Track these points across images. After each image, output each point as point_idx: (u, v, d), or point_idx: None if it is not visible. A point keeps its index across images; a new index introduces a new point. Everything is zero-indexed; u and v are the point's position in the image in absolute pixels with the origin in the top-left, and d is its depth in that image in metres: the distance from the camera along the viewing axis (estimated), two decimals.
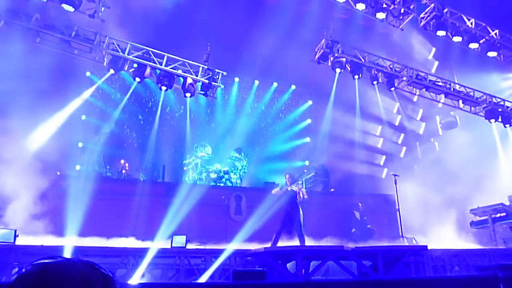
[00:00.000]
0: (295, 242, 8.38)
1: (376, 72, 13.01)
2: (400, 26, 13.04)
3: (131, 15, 11.65)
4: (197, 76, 12.01)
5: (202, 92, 12.32)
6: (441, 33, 12.76)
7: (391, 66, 13.28)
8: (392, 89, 13.45)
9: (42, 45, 10.65)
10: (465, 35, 13.22)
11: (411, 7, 12.73)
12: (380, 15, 12.37)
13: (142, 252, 6.89)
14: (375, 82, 13.12)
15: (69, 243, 6.96)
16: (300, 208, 8.72)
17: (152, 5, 12.14)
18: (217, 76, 12.17)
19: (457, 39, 13.16)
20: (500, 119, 14.23)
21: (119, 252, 7.02)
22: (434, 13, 12.59)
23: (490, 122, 14.32)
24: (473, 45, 13.37)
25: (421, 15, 12.94)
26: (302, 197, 8.77)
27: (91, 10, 10.53)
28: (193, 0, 12.68)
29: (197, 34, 12.57)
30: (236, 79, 16.98)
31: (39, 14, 10.35)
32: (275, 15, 13.12)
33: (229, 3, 12.74)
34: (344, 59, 12.65)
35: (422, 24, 12.96)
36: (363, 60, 12.90)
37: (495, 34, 13.61)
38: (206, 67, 12.07)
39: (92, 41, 11.15)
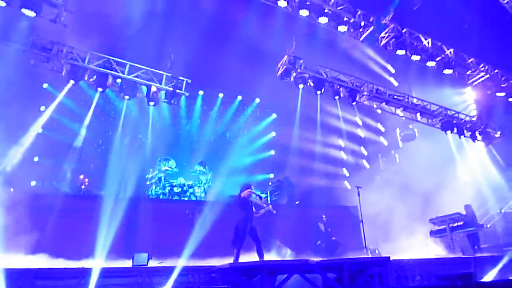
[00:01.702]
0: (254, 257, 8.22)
1: (338, 87, 13.34)
2: (361, 39, 13.50)
3: (90, 23, 11.32)
4: (161, 84, 11.82)
5: (166, 101, 12.14)
6: (400, 52, 13.43)
7: (352, 81, 13.64)
8: (354, 103, 13.78)
9: None
10: (422, 53, 13.91)
11: (371, 19, 13.24)
12: (342, 28, 12.85)
13: (99, 272, 6.57)
14: (337, 97, 13.42)
15: (18, 265, 6.54)
16: (253, 223, 8.48)
17: (113, 14, 11.87)
18: (181, 84, 12.04)
19: (416, 58, 13.85)
20: (455, 131, 14.96)
21: (76, 272, 6.67)
22: (393, 33, 13.23)
23: (446, 134, 14.99)
24: (430, 63, 14.12)
25: (382, 35, 13.48)
26: (264, 212, 8.61)
27: (52, 15, 10.17)
28: (156, 12, 12.52)
29: (161, 45, 12.39)
30: (200, 92, 16.88)
31: None
32: (239, 29, 13.19)
33: (194, 16, 12.68)
34: (306, 75, 12.89)
35: (382, 43, 13.54)
36: (325, 76, 13.19)
37: (450, 52, 14.39)
38: (170, 75, 11.92)
39: (49, 50, 10.74)
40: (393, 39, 13.30)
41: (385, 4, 13.76)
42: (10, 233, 7.98)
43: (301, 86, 12.96)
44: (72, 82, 11.10)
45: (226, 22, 13.37)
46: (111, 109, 15.40)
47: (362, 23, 13.14)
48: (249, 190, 8.52)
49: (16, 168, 11.22)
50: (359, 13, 13.06)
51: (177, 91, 11.96)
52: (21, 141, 11.81)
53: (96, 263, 7.24)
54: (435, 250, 11.88)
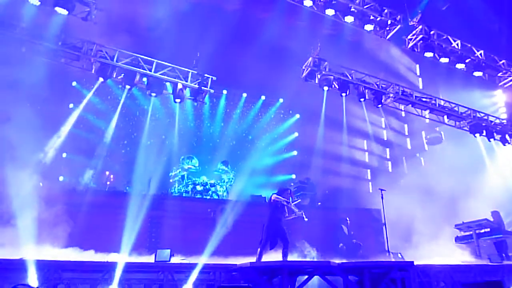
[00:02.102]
0: (279, 256, 8.24)
1: (363, 89, 13.18)
2: (387, 37, 13.29)
3: (118, 22, 11.55)
4: (186, 81, 11.98)
5: (192, 98, 12.31)
6: (428, 54, 13.17)
7: (377, 83, 13.46)
8: (379, 106, 13.59)
9: (28, 55, 10.50)
10: (451, 55, 13.61)
11: (398, 18, 13.05)
12: (368, 27, 12.70)
13: (123, 267, 6.70)
14: (362, 99, 13.24)
15: (46, 257, 6.74)
16: (283, 224, 8.56)
17: (141, 13, 12.11)
18: (207, 81, 12.19)
19: (444, 60, 13.56)
20: (484, 133, 14.55)
21: (101, 266, 6.83)
22: (421, 35, 12.97)
23: (475, 136, 14.62)
24: (460, 66, 13.81)
25: (409, 37, 13.27)
26: (294, 217, 8.64)
27: (83, 13, 10.44)
28: (183, 12, 12.68)
29: (186, 44, 12.55)
30: (224, 92, 16.98)
31: (25, 23, 10.22)
32: (263, 29, 13.21)
33: (218, 16, 12.79)
34: (331, 77, 12.81)
35: (410, 45, 13.35)
36: (350, 78, 13.06)
37: (480, 54, 14.01)
38: (195, 72, 12.09)
39: (80, 49, 11.04)
40: (421, 41, 13.08)
41: (412, 3, 13.54)
42: (41, 226, 8.24)
43: (325, 88, 12.89)
44: (101, 79, 11.36)
45: (250, 22, 13.44)
46: (137, 108, 15.67)
47: (389, 22, 12.99)
48: (275, 195, 8.60)
49: (46, 164, 11.60)
50: (385, 11, 12.92)
51: (203, 88, 12.12)
52: (54, 137, 12.20)
53: (120, 258, 7.38)
54: (460, 256, 11.57)
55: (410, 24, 13.07)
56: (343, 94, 13.04)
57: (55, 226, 8.61)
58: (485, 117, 14.86)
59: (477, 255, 11.18)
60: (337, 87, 13.00)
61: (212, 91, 12.47)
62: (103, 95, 14.66)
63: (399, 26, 13.07)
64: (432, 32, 13.18)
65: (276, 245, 8.30)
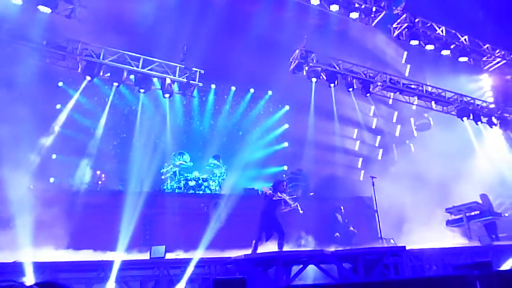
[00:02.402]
0: (275, 248, 8.32)
1: (351, 79, 13.27)
2: (373, 24, 13.33)
3: (103, 19, 11.42)
4: (175, 76, 11.94)
5: (181, 92, 12.28)
6: (414, 42, 13.29)
7: (365, 72, 13.55)
8: (368, 95, 13.68)
9: (12, 56, 10.37)
10: (436, 42, 13.74)
11: (382, 4, 13.07)
12: (354, 15, 12.68)
13: (118, 265, 6.72)
14: (350, 89, 13.35)
15: (40, 258, 6.73)
16: (278, 216, 8.65)
17: (125, 8, 11.95)
18: (195, 75, 12.18)
19: (430, 47, 13.69)
20: (471, 117, 14.78)
21: (95, 266, 6.84)
22: (406, 24, 13.07)
23: (462, 120, 14.81)
24: (445, 52, 13.95)
25: (394, 25, 13.34)
26: (289, 209, 8.71)
27: (67, 11, 10.29)
28: (167, 6, 12.55)
29: (173, 38, 12.45)
30: (213, 86, 16.93)
31: (8, 23, 10.07)
32: (250, 21, 13.16)
33: (204, 9, 12.68)
34: (319, 69, 12.86)
35: (395, 34, 13.44)
36: (337, 68, 13.13)
37: (465, 40, 14.15)
38: (183, 66, 12.07)
39: (65, 48, 10.92)
40: (406, 30, 13.18)
41: None
42: (36, 227, 8.23)
43: (314, 80, 12.94)
44: (88, 78, 11.26)
45: (237, 15, 13.34)
46: (125, 107, 15.56)
47: (374, 9, 13.00)
48: (267, 187, 8.70)
49: (36, 166, 11.52)
50: None
51: (191, 82, 12.10)
52: (43, 138, 12.12)
53: (115, 256, 7.40)
54: (452, 239, 11.78)
55: (394, 12, 13.13)
56: (332, 85, 13.10)
57: (51, 228, 8.59)
58: (472, 101, 15.10)
59: (468, 238, 11.38)
60: (325, 78, 13.05)
61: (200, 84, 12.47)
62: (91, 94, 14.50)
63: (384, 13, 13.09)
64: (416, 20, 13.28)
65: (271, 236, 8.39)
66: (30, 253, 7.41)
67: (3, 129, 9.37)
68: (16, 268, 6.16)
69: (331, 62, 13.13)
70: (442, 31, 13.77)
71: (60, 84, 14.14)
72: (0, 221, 8.64)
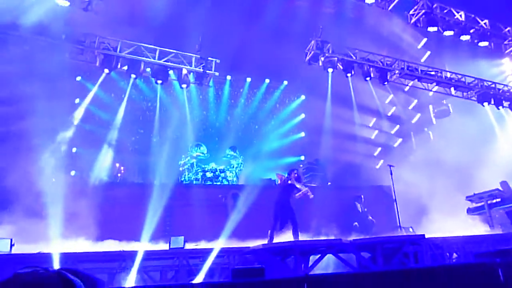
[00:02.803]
0: (290, 237, 8.35)
1: (368, 67, 13.11)
2: (389, 8, 13.11)
3: (117, 12, 11.49)
4: (191, 66, 12.04)
5: (197, 82, 12.36)
6: (432, 29, 13.00)
7: (381, 60, 13.35)
8: (386, 83, 13.50)
9: (32, 52, 10.56)
10: (455, 28, 13.39)
11: None
12: (369, 0, 12.52)
13: (138, 255, 6.85)
14: (368, 78, 13.20)
15: (63, 249, 6.90)
16: (292, 204, 8.65)
17: (140, 1, 12.02)
18: (211, 65, 12.24)
19: (449, 33, 13.36)
20: (492, 102, 14.46)
21: (117, 256, 6.98)
22: (424, 10, 12.76)
23: (483, 106, 14.51)
24: (465, 37, 13.61)
25: (411, 12, 13.07)
26: (302, 195, 8.68)
27: (84, 3, 10.40)
28: None
29: (186, 31, 12.48)
30: (228, 77, 16.93)
31: (28, 20, 10.24)
32: (264, 11, 13.07)
33: (218, 1, 12.64)
34: (335, 59, 12.76)
35: (412, 21, 13.15)
36: (354, 57, 12.99)
37: (485, 24, 13.76)
38: (199, 56, 12.13)
39: (83, 42, 11.09)
40: (423, 16, 12.88)
41: None
42: (61, 219, 8.46)
43: (330, 70, 12.89)
44: (106, 71, 11.44)
45: (250, 5, 13.26)
46: (142, 101, 15.70)
47: None
48: (279, 174, 8.76)
49: (58, 159, 11.78)
50: None
51: (207, 71, 12.19)
52: (63, 133, 12.37)
53: (135, 247, 7.54)
54: (473, 228, 11.60)
55: None
56: (348, 75, 12.99)
57: (75, 220, 8.81)
58: (493, 85, 14.74)
59: (489, 226, 11.19)
60: (341, 68, 12.94)
61: (217, 74, 12.51)
62: (108, 89, 14.70)
63: None
64: (434, 6, 12.98)
65: (285, 225, 8.41)
66: (54, 244, 7.64)
67: (25, 124, 9.62)
68: (40, 259, 6.34)
69: (347, 52, 12.99)
70: (461, 15, 13.44)
71: (78, 78, 14.36)
72: (27, 212, 8.90)
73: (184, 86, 12.20)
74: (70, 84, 13.70)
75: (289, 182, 8.67)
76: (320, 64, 12.89)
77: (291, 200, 8.63)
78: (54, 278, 1.00)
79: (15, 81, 10.33)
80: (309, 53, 12.86)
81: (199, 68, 12.13)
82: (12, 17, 10.13)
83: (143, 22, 12.16)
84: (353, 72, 12.96)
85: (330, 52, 12.70)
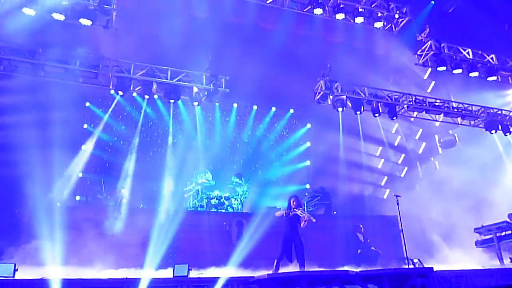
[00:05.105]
0: (296, 268, 8.22)
1: (376, 104, 13.37)
2: (396, 30, 13.43)
3: (127, 35, 11.72)
4: (202, 84, 12.28)
5: (208, 100, 12.59)
6: (441, 68, 13.37)
7: (390, 96, 13.55)
8: (394, 118, 13.69)
9: (46, 78, 10.81)
10: (463, 64, 13.61)
11: (404, 11, 13.24)
12: (378, 24, 12.90)
13: (141, 283, 6.76)
14: (377, 115, 13.51)
15: (66, 275, 6.84)
16: (300, 234, 8.55)
17: (149, 22, 12.28)
18: (221, 82, 12.45)
19: (458, 71, 13.63)
20: (500, 128, 14.46)
21: (119, 283, 6.89)
22: (432, 52, 13.12)
23: (491, 133, 14.47)
24: (473, 74, 13.77)
25: (418, 52, 13.39)
26: (306, 222, 8.57)
27: (103, 21, 10.71)
28: (188, 23, 12.79)
29: (195, 56, 12.69)
30: (235, 105, 17.08)
31: (41, 48, 10.53)
32: (271, 40, 13.31)
33: (226, 29, 12.89)
34: (344, 97, 13.03)
35: (421, 61, 13.46)
36: (362, 95, 13.20)
37: (492, 59, 13.96)
38: (209, 74, 12.35)
39: (97, 67, 11.32)
40: (433, 57, 13.21)
41: (419, 4, 13.66)
42: (64, 245, 8.43)
43: (340, 109, 13.17)
44: (120, 93, 11.73)
45: (259, 32, 13.54)
46: (152, 125, 15.83)
47: (396, 16, 13.18)
48: (279, 213, 8.74)
49: (64, 184, 11.85)
50: (391, 6, 13.09)
51: (218, 89, 12.41)
52: (75, 160, 12.52)
53: (139, 274, 7.45)
54: (481, 261, 11.37)
55: (418, 39, 13.27)
56: (358, 113, 13.27)
57: (78, 245, 8.77)
58: (499, 112, 14.81)
59: (498, 259, 10.97)
60: (350, 105, 13.19)
61: (227, 90, 12.64)
62: (116, 114, 14.90)
63: (407, 19, 13.22)
64: (442, 45, 13.27)
65: (291, 255, 8.28)
66: (57, 270, 7.57)
67: (34, 150, 9.74)
68: (43, 285, 6.27)
69: (355, 89, 13.26)
70: (468, 53, 13.70)
71: (87, 104, 14.59)
72: (29, 236, 8.88)
73: (195, 103, 12.39)
74: (79, 110, 13.94)
75: (291, 213, 8.53)
76: (329, 102, 13.24)
77: (299, 229, 8.52)
78: None
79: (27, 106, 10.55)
80: (317, 93, 13.20)
81: (210, 86, 12.30)
82: (30, 44, 10.42)
83: (152, 43, 12.35)
84: (362, 109, 13.21)
85: (339, 91, 12.99)
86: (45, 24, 10.14)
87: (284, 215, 8.62)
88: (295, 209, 8.52)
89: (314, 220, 8.53)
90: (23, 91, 10.95)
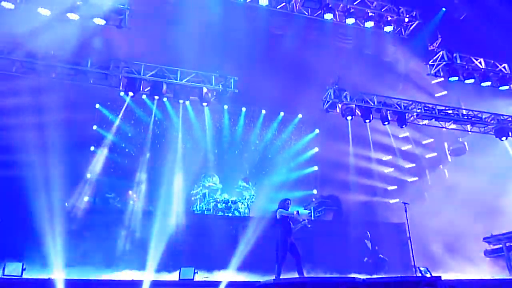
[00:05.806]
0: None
1: (385, 112, 13.29)
2: (405, 33, 13.40)
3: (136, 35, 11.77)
4: (211, 85, 12.29)
5: (217, 100, 12.55)
6: (453, 79, 13.20)
7: (399, 104, 13.44)
8: (404, 126, 13.58)
9: (57, 80, 10.92)
10: (475, 74, 13.44)
11: (413, 14, 13.21)
12: (388, 28, 12.86)
13: (148, 285, 6.77)
14: (386, 123, 13.37)
15: (73, 276, 6.88)
16: (292, 238, 8.36)
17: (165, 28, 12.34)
18: (230, 83, 12.43)
19: (470, 81, 13.43)
20: (510, 135, 14.30)
21: (125, 284, 6.91)
22: (444, 62, 13.00)
23: (502, 140, 14.29)
24: (485, 84, 13.58)
25: (430, 62, 13.28)
26: (299, 225, 8.45)
27: (117, 21, 10.70)
28: (201, 25, 12.83)
29: (204, 61, 12.72)
30: (243, 109, 17.11)
31: (53, 50, 10.64)
32: (279, 44, 13.33)
33: (237, 34, 12.92)
34: (353, 105, 12.96)
35: (432, 71, 13.28)
36: (371, 103, 13.14)
37: (504, 68, 13.80)
38: (218, 75, 12.35)
39: (107, 68, 11.39)
40: (445, 67, 13.11)
41: (430, 10, 13.63)
42: (70, 245, 8.47)
43: (349, 118, 13.10)
44: (131, 94, 11.72)
45: (268, 38, 13.56)
46: (158, 127, 15.92)
47: (406, 19, 13.16)
48: (280, 210, 8.50)
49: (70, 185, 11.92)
50: (401, 10, 13.10)
51: (227, 89, 12.38)
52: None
53: (145, 276, 7.46)
54: (490, 270, 11.21)
55: (430, 49, 13.17)
56: (367, 121, 13.21)
57: (84, 246, 8.81)
58: (510, 119, 14.61)
59: (509, 269, 10.80)
60: (359, 114, 13.13)
61: (236, 91, 12.56)
62: (126, 117, 15.03)
63: (417, 22, 13.18)
64: (454, 55, 13.17)
65: (285, 260, 8.08)
66: (63, 270, 7.61)
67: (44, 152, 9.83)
68: (49, 285, 6.31)
69: (364, 97, 13.18)
70: (480, 63, 13.54)
71: (97, 106, 14.72)
72: (39, 236, 8.94)
73: (205, 104, 12.39)
74: (89, 111, 14.06)
75: (291, 216, 8.37)
76: (338, 111, 13.17)
77: (291, 232, 8.32)
78: None
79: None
80: (326, 102, 13.14)
81: (219, 86, 12.34)
82: (43, 46, 10.53)
83: (162, 43, 12.41)
84: (371, 118, 13.13)
85: (347, 99, 12.94)
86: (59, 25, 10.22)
87: (289, 217, 8.43)
88: (284, 211, 8.38)
89: (309, 226, 8.44)
90: (36, 92, 11.03)
